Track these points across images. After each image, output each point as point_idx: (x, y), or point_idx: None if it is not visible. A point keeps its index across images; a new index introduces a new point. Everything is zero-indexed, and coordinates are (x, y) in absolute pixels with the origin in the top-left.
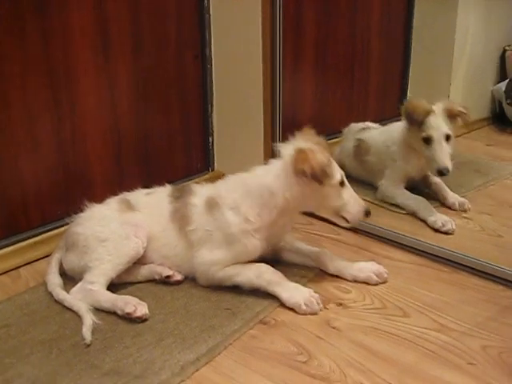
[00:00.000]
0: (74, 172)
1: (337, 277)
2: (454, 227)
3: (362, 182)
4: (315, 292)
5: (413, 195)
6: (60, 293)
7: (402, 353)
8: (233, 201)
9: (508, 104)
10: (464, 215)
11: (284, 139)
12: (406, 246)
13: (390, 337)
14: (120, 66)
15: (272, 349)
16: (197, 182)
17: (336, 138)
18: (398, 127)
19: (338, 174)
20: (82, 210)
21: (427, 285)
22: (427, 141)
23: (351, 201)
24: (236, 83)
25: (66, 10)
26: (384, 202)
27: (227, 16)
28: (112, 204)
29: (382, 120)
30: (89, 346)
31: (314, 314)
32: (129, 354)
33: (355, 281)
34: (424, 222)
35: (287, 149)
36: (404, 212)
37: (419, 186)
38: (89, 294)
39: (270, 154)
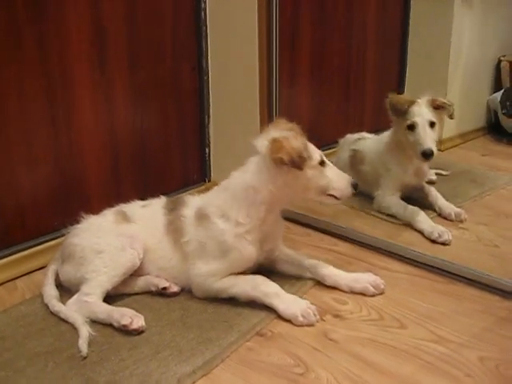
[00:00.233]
0: (70, 184)
1: (333, 288)
2: (450, 238)
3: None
4: (312, 303)
5: (409, 206)
6: (56, 304)
7: (399, 364)
8: (219, 209)
9: (503, 114)
10: (460, 225)
11: None
12: (403, 256)
13: (387, 348)
14: (116, 79)
15: (269, 361)
16: (193, 194)
17: (333, 148)
18: (388, 134)
19: (316, 154)
20: (78, 222)
21: (424, 296)
22: (411, 127)
23: (336, 177)
24: (233, 95)
25: (62, 24)
26: (380, 212)
27: (224, 28)
28: (108, 216)
29: (379, 130)
30: (85, 358)
31: (311, 325)
32: (125, 366)
33: (352, 292)
34: (420, 232)
35: (261, 141)
36: (400, 222)
37: (415, 196)
38: (85, 306)
39: None
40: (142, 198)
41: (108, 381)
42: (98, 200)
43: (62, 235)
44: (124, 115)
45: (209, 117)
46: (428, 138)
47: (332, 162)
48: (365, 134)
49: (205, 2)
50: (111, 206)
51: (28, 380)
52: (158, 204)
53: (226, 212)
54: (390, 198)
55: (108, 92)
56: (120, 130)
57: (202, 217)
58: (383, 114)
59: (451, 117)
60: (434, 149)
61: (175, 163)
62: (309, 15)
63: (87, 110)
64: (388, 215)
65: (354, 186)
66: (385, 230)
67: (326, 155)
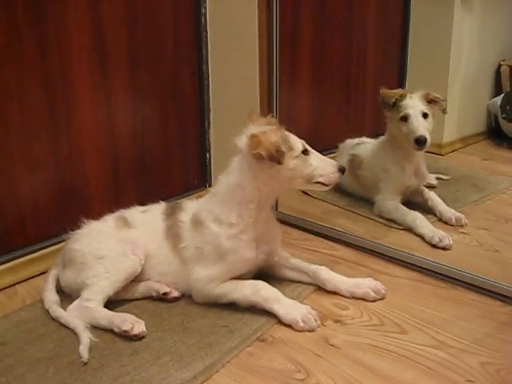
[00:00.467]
0: (70, 189)
1: (334, 293)
2: (451, 242)
3: (359, 197)
4: (312, 309)
5: (410, 210)
6: (57, 310)
7: (400, 370)
8: (211, 213)
9: (504, 118)
10: (461, 230)
11: None
12: (404, 261)
13: (388, 354)
14: (117, 83)
15: (269, 366)
16: (194, 199)
17: (333, 153)
18: (385, 138)
19: (298, 144)
20: (78, 227)
21: (425, 301)
22: (404, 118)
23: (321, 164)
24: (233, 99)
25: (63, 26)
26: (381, 217)
27: (224, 33)
28: (109, 221)
29: (379, 135)
30: (85, 364)
31: (312, 330)
32: (126, 372)
33: (353, 297)
34: (421, 237)
35: (241, 139)
36: (401, 227)
37: (416, 201)
38: (86, 312)
39: None
40: (143, 203)
41: None
42: (99, 205)
43: (63, 240)
44: (124, 120)
45: (209, 121)
46: (421, 127)
47: None
48: (365, 139)
49: (205, 8)
50: (111, 211)
51: None
52: (157, 210)
53: (218, 216)
54: (390, 203)
55: (108, 97)
56: (120, 135)
57: (196, 222)
58: (383, 116)
59: (444, 111)
60: (428, 136)
61: (176, 168)
62: (309, 20)
63: (87, 115)
64: (388, 220)
65: (342, 170)
66: (385, 234)
67: None
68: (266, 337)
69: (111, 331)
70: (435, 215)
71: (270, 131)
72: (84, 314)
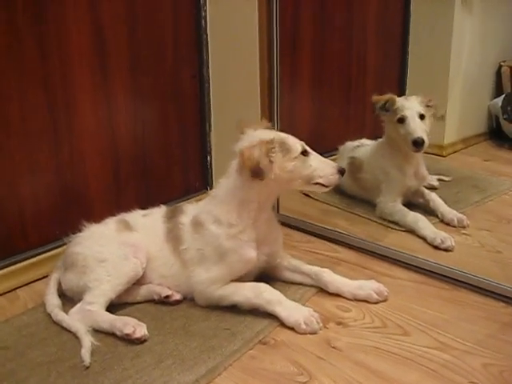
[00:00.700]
0: (71, 192)
1: (336, 295)
2: (453, 244)
3: (360, 199)
4: (315, 311)
5: (411, 212)
6: (59, 314)
7: (403, 372)
8: (211, 215)
9: (505, 119)
10: (463, 231)
11: None
12: (406, 263)
13: (391, 356)
14: (117, 86)
15: (272, 369)
16: (195, 202)
17: (334, 155)
18: (384, 140)
19: (297, 145)
20: (80, 231)
21: (427, 302)
22: (401, 120)
23: (321, 165)
24: (234, 102)
25: (63, 29)
26: (383, 219)
27: (224, 36)
28: (110, 224)
29: (380, 137)
30: (88, 368)
31: (314, 333)
32: (128, 375)
33: (355, 299)
34: (423, 239)
35: (237, 148)
36: (403, 229)
37: (417, 203)
38: (87, 315)
39: None
40: (144, 206)
41: None
42: (100, 209)
43: (64, 244)
44: (125, 123)
45: (210, 124)
46: (418, 128)
47: None
48: (364, 141)
49: (205, 11)
50: (113, 214)
51: None
52: (158, 213)
53: (217, 217)
54: (391, 205)
55: (109, 100)
56: (121, 138)
57: (196, 224)
58: (380, 121)
59: (442, 118)
60: (425, 138)
61: (177, 171)
62: (309, 22)
63: (88, 117)
64: (390, 222)
65: (341, 172)
66: (387, 236)
67: None
68: (268, 339)
69: (113, 335)
70: (437, 217)
71: (255, 146)
72: (86, 317)
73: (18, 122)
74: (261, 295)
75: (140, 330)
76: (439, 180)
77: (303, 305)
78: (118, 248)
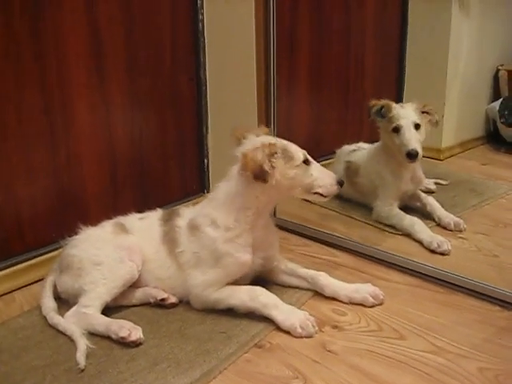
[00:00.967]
0: (68, 195)
1: (332, 299)
2: (449, 248)
3: (357, 203)
4: (311, 314)
5: (408, 216)
6: (54, 317)
7: (398, 376)
8: (208, 218)
9: (502, 123)
10: (459, 235)
11: None
12: (402, 267)
13: (386, 360)
14: (114, 89)
15: (267, 373)
16: (192, 204)
17: (330, 158)
18: (380, 145)
19: (299, 153)
20: (76, 233)
21: (423, 306)
22: (396, 130)
23: (321, 175)
24: (231, 105)
25: (60, 31)
26: (379, 222)
27: (222, 39)
28: (107, 227)
29: (377, 141)
30: (83, 371)
31: (310, 336)
32: (123, 379)
33: (351, 302)
34: (420, 242)
35: (239, 152)
36: (399, 233)
37: (414, 206)
38: (83, 318)
39: None
40: (141, 209)
41: None
42: (96, 212)
43: (61, 247)
44: (122, 126)
45: (207, 127)
46: (413, 139)
47: None
48: (361, 145)
49: (202, 14)
50: (109, 217)
51: None
52: (154, 216)
53: (214, 220)
54: (388, 209)
55: (106, 103)
56: (118, 141)
57: (193, 227)
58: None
59: (436, 124)
60: (419, 149)
61: (174, 174)
62: (306, 26)
63: (85, 121)
64: (387, 225)
65: (340, 183)
66: (384, 240)
67: (324, 166)
68: (263, 343)
69: (108, 338)
70: (434, 220)
71: (258, 149)
72: (81, 320)
73: (15, 124)
74: (257, 298)
75: (135, 333)
76: (436, 184)
77: (299, 308)
78: (114, 251)
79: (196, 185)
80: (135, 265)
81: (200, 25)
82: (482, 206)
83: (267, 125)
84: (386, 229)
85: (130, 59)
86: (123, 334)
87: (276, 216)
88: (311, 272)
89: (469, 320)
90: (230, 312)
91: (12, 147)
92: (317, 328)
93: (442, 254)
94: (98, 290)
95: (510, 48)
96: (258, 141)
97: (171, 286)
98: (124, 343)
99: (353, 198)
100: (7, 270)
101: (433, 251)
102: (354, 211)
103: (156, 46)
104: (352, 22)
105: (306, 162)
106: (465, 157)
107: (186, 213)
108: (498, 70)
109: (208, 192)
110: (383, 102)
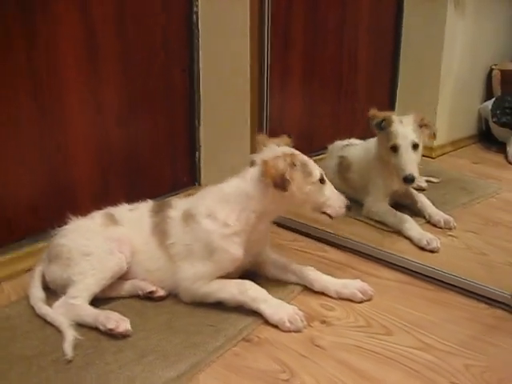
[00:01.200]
0: (58, 185)
1: (321, 294)
2: (438, 245)
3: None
4: (299, 309)
5: (398, 213)
6: (42, 307)
7: (385, 372)
8: (206, 208)
9: (494, 122)
10: (449, 233)
11: None
12: (392, 263)
13: (374, 355)
14: (106, 80)
15: (255, 367)
16: (183, 197)
17: (323, 154)
18: (374, 144)
19: (316, 171)
20: (66, 224)
21: (412, 303)
22: (394, 149)
23: (333, 196)
24: (223, 98)
25: (52, 23)
26: (369, 219)
27: (216, 31)
28: (96, 218)
29: (370, 136)
30: (70, 362)
31: (298, 331)
32: (110, 370)
33: (340, 298)
34: (409, 239)
35: (259, 158)
36: (390, 229)
37: (405, 203)
38: (71, 309)
39: None
40: (131, 200)
41: None
42: (87, 202)
43: (50, 237)
44: (114, 117)
45: (199, 120)
46: (410, 163)
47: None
48: (353, 141)
49: (197, 6)
50: (99, 208)
51: None
52: (145, 207)
53: (214, 213)
54: (379, 205)
55: (98, 94)
56: (109, 132)
57: (188, 217)
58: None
59: (434, 136)
60: (416, 174)
61: (165, 166)
62: (301, 20)
63: (75, 112)
64: (377, 222)
65: (348, 208)
66: (374, 236)
67: (316, 161)
68: (251, 337)
69: (96, 329)
70: (424, 217)
71: (279, 157)
72: (69, 311)
73: (5, 114)
74: (246, 292)
75: (123, 324)
76: (427, 181)
77: (288, 303)
78: (104, 242)
79: (187, 177)
80: (124, 256)
81: (194, 17)
82: (473, 205)
83: (260, 118)
84: (376, 225)
85: (122, 50)
86: (111, 325)
87: None
88: (300, 266)
89: (457, 317)
90: (219, 305)
91: (1, 136)
92: (305, 323)
93: (432, 251)
94: (86, 281)
95: (503, 48)
96: (279, 150)
97: (160, 278)
98: (112, 335)
99: (344, 194)
100: None
101: (422, 248)
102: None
103: (149, 37)
104: (347, 17)
105: (321, 180)
106: (456, 155)
107: (179, 204)
108: (491, 70)
109: (199, 184)
110: (383, 114)
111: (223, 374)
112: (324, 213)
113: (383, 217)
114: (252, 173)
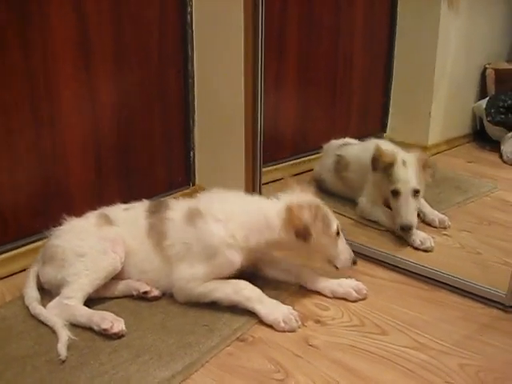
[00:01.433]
0: (53, 185)
1: (315, 293)
2: (432, 245)
3: (343, 197)
4: (294, 309)
5: (392, 212)
6: (36, 307)
7: (380, 371)
8: (222, 213)
9: (488, 121)
10: (444, 232)
11: (265, 154)
12: (386, 263)
13: (368, 355)
14: (101, 80)
15: (249, 366)
16: (177, 197)
17: (317, 153)
18: (374, 144)
19: (334, 224)
20: (60, 224)
21: (406, 302)
22: (395, 194)
23: (344, 249)
24: (218, 98)
25: (47, 23)
26: (363, 218)
27: (210, 31)
28: (91, 218)
29: (364, 136)
30: (64, 362)
31: (292, 331)
32: (104, 371)
33: (334, 296)
34: (403, 239)
35: (285, 200)
36: (383, 228)
37: None
38: (65, 309)
39: (251, 169)
40: (126, 201)
41: None
42: (81, 203)
43: (44, 238)
44: (109, 117)
45: (194, 120)
46: (409, 212)
47: (316, 168)
48: (348, 140)
49: (191, 6)
50: (94, 208)
51: None
52: (140, 207)
53: (227, 220)
54: (372, 205)
55: (92, 94)
56: (104, 132)
57: (194, 215)
58: (369, 121)
59: (434, 176)
60: (414, 222)
61: (160, 166)
62: (295, 20)
63: (71, 111)
64: (371, 221)
65: (354, 262)
66: (368, 235)
67: (311, 161)
68: (246, 337)
69: (90, 329)
70: (418, 217)
71: (304, 208)
72: (63, 311)
73: (0, 114)
74: (240, 292)
75: (118, 325)
76: None
77: (282, 302)
78: (98, 242)
79: (182, 177)
80: (118, 256)
81: (188, 17)
82: (467, 204)
83: (254, 118)
84: (370, 224)
85: (117, 50)
86: (105, 325)
87: None
88: (295, 266)
89: (451, 317)
90: (213, 305)
91: None
92: (300, 323)
93: (425, 250)
94: (80, 282)
95: (497, 47)
96: (304, 198)
97: (155, 278)
98: (106, 335)
99: (340, 192)
100: None
101: (416, 248)
102: (338, 205)
103: (144, 37)
104: (341, 18)
105: (337, 233)
106: (451, 154)
107: (179, 205)
108: (485, 69)
109: (194, 184)
110: (389, 158)
111: (217, 374)
112: (333, 263)
113: (376, 216)
114: (279, 210)
